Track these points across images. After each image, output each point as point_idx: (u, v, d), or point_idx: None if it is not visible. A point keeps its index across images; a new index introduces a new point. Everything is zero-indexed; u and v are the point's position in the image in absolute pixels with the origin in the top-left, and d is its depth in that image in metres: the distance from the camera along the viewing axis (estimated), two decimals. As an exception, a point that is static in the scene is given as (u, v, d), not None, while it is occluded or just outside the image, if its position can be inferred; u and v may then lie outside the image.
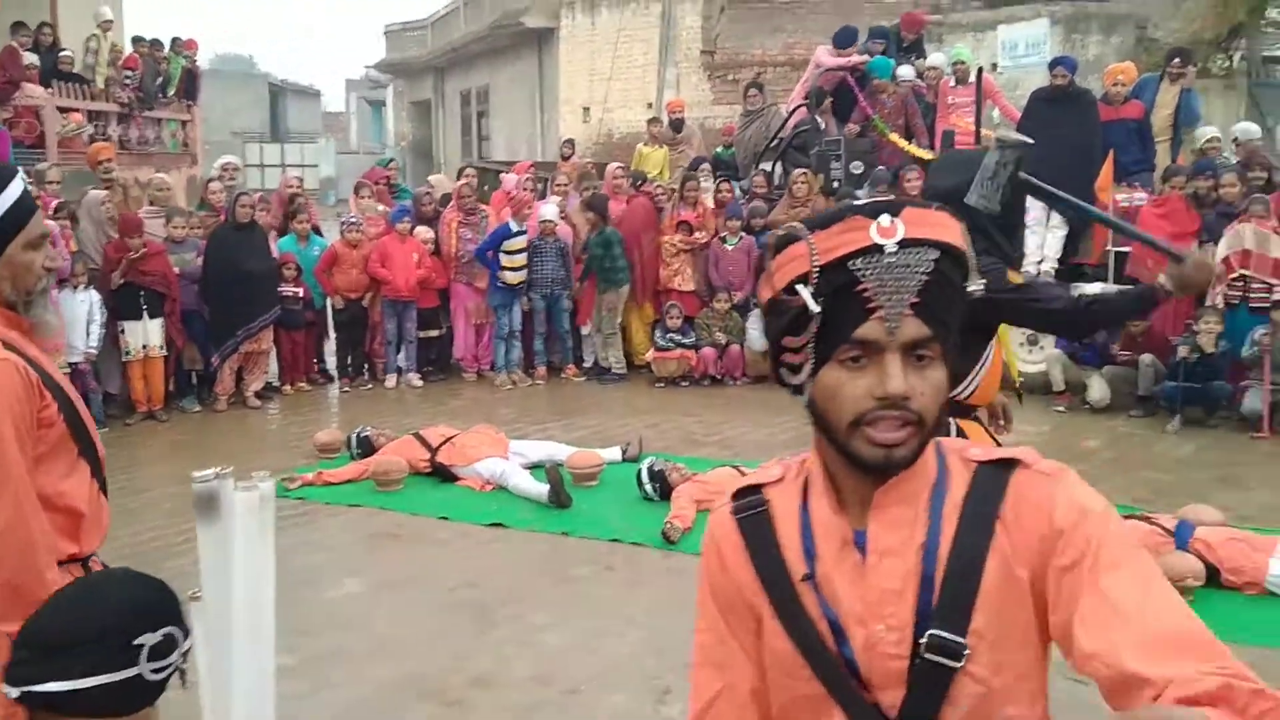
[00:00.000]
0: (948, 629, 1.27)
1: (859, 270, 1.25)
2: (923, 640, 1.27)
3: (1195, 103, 10.11)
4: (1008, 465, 1.34)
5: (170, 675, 1.61)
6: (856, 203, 1.31)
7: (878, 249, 1.25)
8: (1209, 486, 6.63)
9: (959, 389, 3.47)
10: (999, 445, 3.46)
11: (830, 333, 1.27)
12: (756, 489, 1.45)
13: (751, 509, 1.43)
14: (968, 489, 1.33)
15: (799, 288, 1.27)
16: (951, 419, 3.48)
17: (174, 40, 16.11)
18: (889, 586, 1.30)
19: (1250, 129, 9.93)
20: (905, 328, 1.25)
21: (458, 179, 10.78)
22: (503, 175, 11.46)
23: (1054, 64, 9.73)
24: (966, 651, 1.26)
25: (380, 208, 10.41)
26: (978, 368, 3.47)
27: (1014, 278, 3.35)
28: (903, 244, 1.25)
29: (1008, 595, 1.27)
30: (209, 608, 1.56)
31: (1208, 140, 9.59)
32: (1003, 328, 3.53)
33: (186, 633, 1.60)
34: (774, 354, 1.36)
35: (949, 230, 1.29)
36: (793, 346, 1.31)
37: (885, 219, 1.25)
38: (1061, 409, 8.63)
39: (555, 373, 10.35)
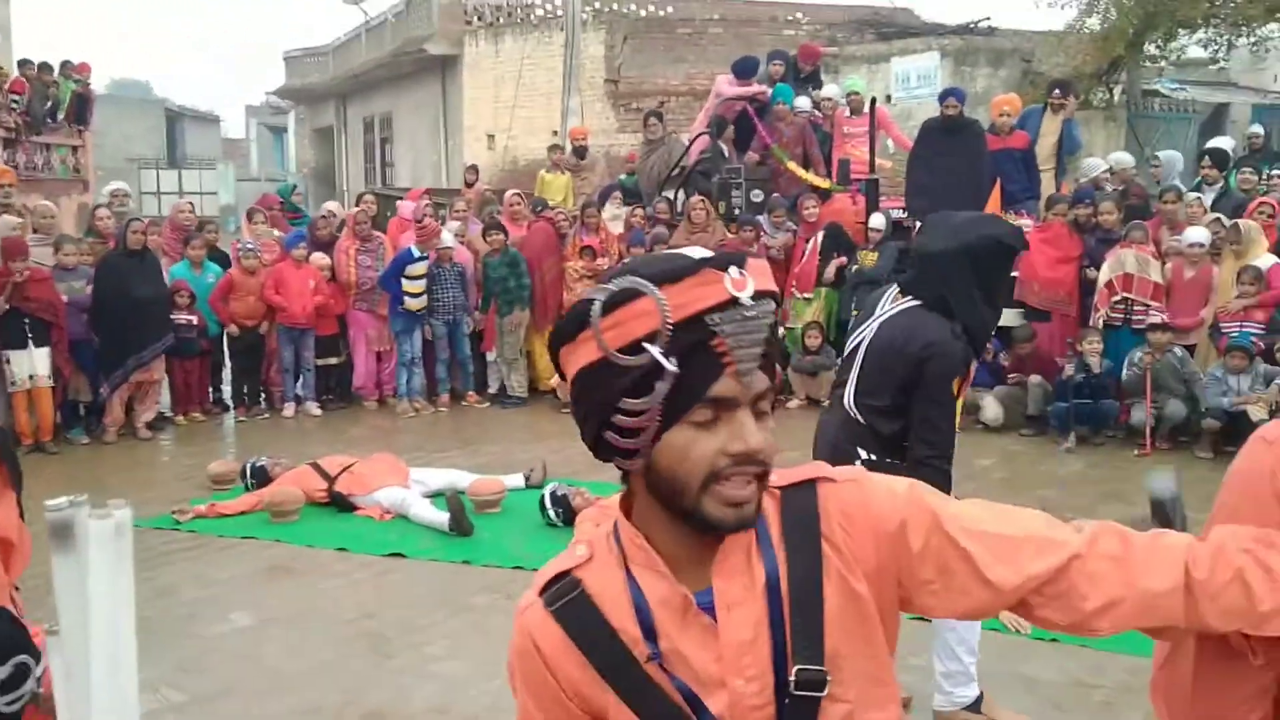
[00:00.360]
0: (807, 661, 1.26)
1: (717, 325, 1.19)
2: (791, 679, 1.26)
3: (1076, 132, 10.54)
4: (809, 484, 1.35)
5: (26, 703, 1.58)
6: (696, 255, 1.24)
7: (734, 302, 1.20)
8: (1095, 501, 6.85)
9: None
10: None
11: (681, 392, 1.20)
12: (564, 575, 1.34)
13: (565, 597, 1.32)
14: (781, 517, 1.32)
15: (648, 346, 1.18)
16: (904, 463, 3.53)
17: (64, 64, 15.70)
18: (743, 638, 1.27)
19: (1123, 158, 10.41)
20: (755, 381, 1.22)
21: (356, 205, 10.68)
22: (398, 202, 11.39)
23: (944, 95, 10.02)
24: (828, 678, 1.27)
25: (276, 233, 10.25)
26: None
27: (955, 385, 3.45)
28: (754, 296, 1.21)
29: (850, 611, 1.29)
30: (66, 641, 1.52)
31: (1101, 172, 10.00)
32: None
33: (38, 657, 1.57)
34: (600, 419, 1.25)
35: (772, 278, 1.27)
36: (634, 410, 1.21)
37: (736, 271, 1.21)
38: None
39: (458, 399, 10.28)
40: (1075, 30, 14.47)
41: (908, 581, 1.32)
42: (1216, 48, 14.62)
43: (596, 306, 1.21)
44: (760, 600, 1.27)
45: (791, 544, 1.30)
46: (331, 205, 11.46)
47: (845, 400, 3.62)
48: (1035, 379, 8.71)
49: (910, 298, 3.52)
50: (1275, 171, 9.73)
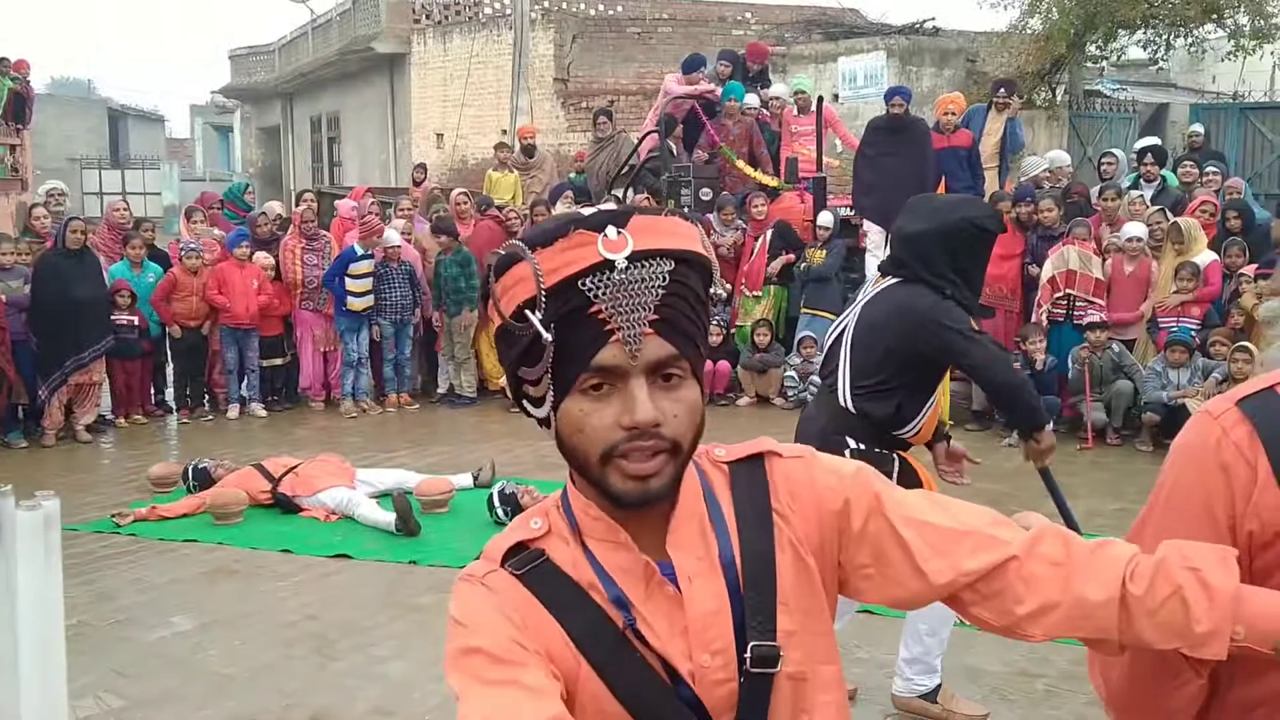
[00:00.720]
0: (761, 637, 1.22)
1: (590, 290, 1.12)
2: (747, 655, 1.21)
3: (1020, 131, 10.68)
4: (757, 458, 1.32)
5: None
6: (581, 214, 1.17)
7: (608, 265, 1.12)
8: (1039, 495, 6.87)
9: (908, 429, 3.53)
10: (934, 484, 3.53)
11: (567, 361, 1.15)
12: (523, 546, 1.25)
13: (533, 563, 1.23)
14: (731, 491, 1.29)
15: (528, 313, 1.14)
16: (895, 454, 3.53)
17: (0, 60, 15.34)
18: (709, 609, 1.21)
19: (1059, 157, 10.58)
20: (648, 349, 1.14)
21: (296, 205, 10.56)
22: (337, 202, 11.29)
23: (890, 94, 10.09)
24: (781, 655, 1.23)
25: (216, 232, 10.12)
26: (924, 410, 3.52)
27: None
28: (634, 257, 1.13)
29: (802, 584, 1.27)
30: (-7, 636, 1.47)
31: (1041, 171, 10.14)
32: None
33: None
34: (513, 385, 1.23)
35: (683, 236, 1.18)
36: (529, 378, 1.18)
37: (612, 231, 1.13)
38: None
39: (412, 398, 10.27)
40: (1018, 30, 14.67)
41: (846, 563, 1.30)
42: (1155, 48, 14.88)
43: (492, 274, 1.18)
44: (718, 573, 1.23)
45: (743, 518, 1.26)
46: (275, 206, 11.33)
47: (838, 390, 3.59)
48: (980, 375, 8.80)
49: (888, 278, 3.55)
50: (1210, 168, 9.92)
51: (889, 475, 3.43)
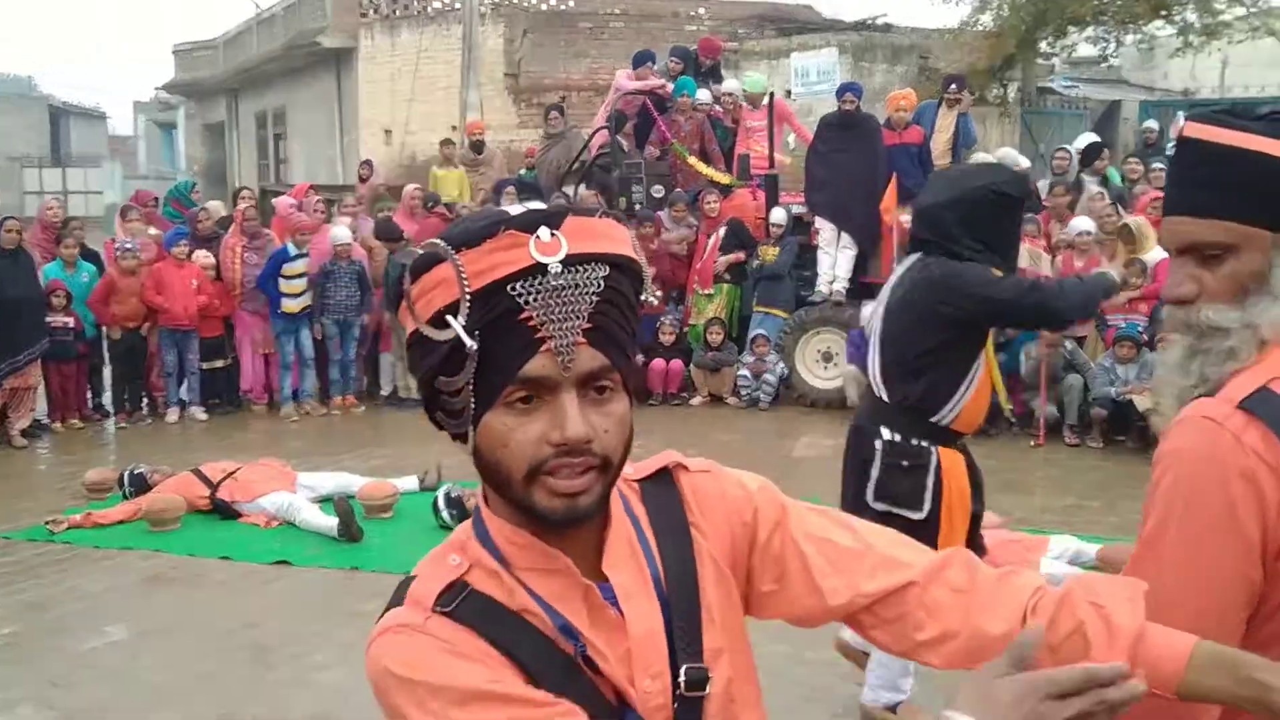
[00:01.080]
0: (690, 659, 1.17)
1: (521, 296, 1.05)
2: (681, 679, 1.16)
3: (971, 127, 10.70)
4: (664, 472, 1.28)
5: None
6: (509, 213, 1.08)
7: (540, 269, 1.05)
8: (992, 491, 6.82)
9: (945, 412, 3.34)
10: (980, 486, 3.45)
11: (492, 371, 1.07)
12: (450, 586, 1.15)
13: (461, 597, 1.13)
14: (645, 507, 1.24)
15: (449, 319, 1.06)
16: (931, 446, 3.35)
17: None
18: (646, 630, 1.16)
19: (1010, 155, 10.61)
20: (580, 359, 1.07)
21: (234, 203, 10.33)
22: (274, 199, 11.07)
23: (842, 90, 10.06)
24: (710, 677, 1.18)
25: (152, 231, 9.88)
26: (963, 387, 3.33)
27: (995, 272, 3.29)
28: (568, 261, 1.06)
29: (724, 597, 1.23)
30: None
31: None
32: (989, 348, 3.44)
33: None
34: (427, 395, 1.14)
35: (618, 240, 1.12)
36: (447, 389, 1.09)
37: (545, 233, 1.05)
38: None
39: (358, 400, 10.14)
40: (970, 27, 14.75)
41: (754, 577, 1.27)
42: (1105, 44, 15.03)
43: (408, 275, 1.09)
44: (652, 593, 1.18)
45: (662, 534, 1.22)
46: (217, 206, 11.07)
47: (871, 377, 3.50)
48: (933, 372, 8.80)
49: (909, 258, 3.47)
50: (1158, 164, 9.99)
51: (924, 472, 3.34)
